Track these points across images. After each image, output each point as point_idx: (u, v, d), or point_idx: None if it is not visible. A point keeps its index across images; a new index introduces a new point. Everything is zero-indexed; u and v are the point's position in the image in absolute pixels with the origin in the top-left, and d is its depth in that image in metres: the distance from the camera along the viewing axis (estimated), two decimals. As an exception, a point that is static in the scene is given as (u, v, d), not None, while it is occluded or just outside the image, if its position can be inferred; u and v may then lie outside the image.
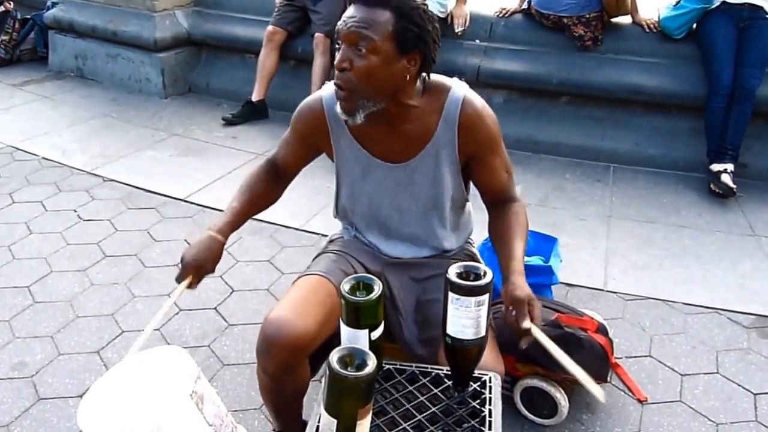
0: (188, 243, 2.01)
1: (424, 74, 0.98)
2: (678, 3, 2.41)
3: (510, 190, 1.07)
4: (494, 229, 1.05)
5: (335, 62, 0.93)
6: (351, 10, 0.92)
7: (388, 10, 0.90)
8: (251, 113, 2.92)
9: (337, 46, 0.94)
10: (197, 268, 1.05)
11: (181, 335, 1.60)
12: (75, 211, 2.18)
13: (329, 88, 1.04)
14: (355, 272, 1.09)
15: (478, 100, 1.02)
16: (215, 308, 1.70)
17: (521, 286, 0.91)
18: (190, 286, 1.06)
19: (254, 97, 2.90)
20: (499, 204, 1.06)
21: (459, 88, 1.01)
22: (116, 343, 1.56)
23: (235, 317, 1.67)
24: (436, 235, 1.10)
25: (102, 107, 3.09)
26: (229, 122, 2.91)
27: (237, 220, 1.11)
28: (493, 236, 1.05)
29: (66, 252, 1.94)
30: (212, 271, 1.07)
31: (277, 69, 2.91)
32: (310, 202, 2.17)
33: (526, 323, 0.87)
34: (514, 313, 0.89)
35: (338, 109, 0.96)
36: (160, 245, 1.99)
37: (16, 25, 3.66)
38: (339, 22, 0.93)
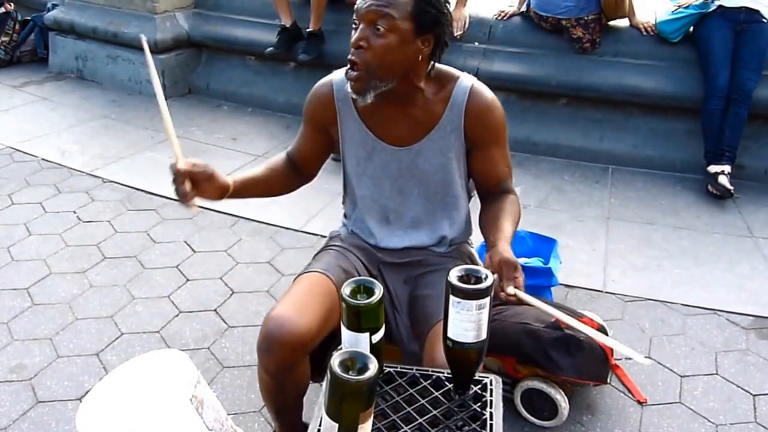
0: (188, 244, 2.02)
1: (433, 62, 1.00)
2: (676, 9, 2.42)
3: (507, 184, 1.06)
4: (485, 213, 1.04)
5: (352, 40, 0.94)
6: None
7: None
8: (290, 39, 2.83)
9: (354, 25, 0.95)
10: (192, 165, 0.95)
11: (181, 337, 1.59)
12: (74, 212, 2.17)
13: (340, 73, 1.06)
14: (354, 269, 1.09)
15: (487, 91, 1.04)
16: (215, 310, 1.70)
17: (509, 251, 0.88)
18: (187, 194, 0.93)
19: (287, 24, 2.82)
20: (494, 194, 1.05)
21: (467, 78, 1.03)
22: (116, 345, 1.56)
23: (235, 319, 1.67)
24: (436, 221, 1.10)
25: (102, 108, 3.09)
26: (273, 55, 2.85)
27: (249, 181, 1.05)
28: (483, 219, 1.03)
29: (65, 253, 1.94)
30: (208, 173, 0.96)
31: None
32: (309, 203, 2.17)
33: (511, 289, 0.83)
34: (496, 276, 0.84)
35: (348, 88, 0.97)
36: (159, 247, 1.99)
37: (17, 27, 3.65)
38: (358, 2, 0.95)
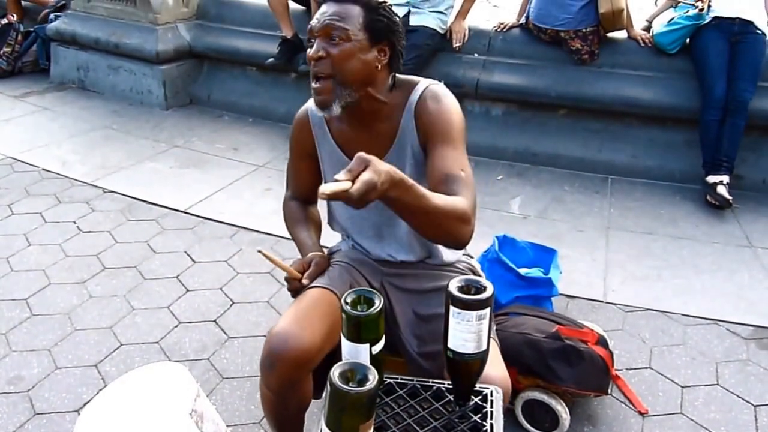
0: (188, 255, 2.01)
1: (394, 73, 1.02)
2: (671, 20, 2.45)
3: (456, 184, 0.91)
4: None
5: (310, 54, 0.96)
6: (323, 8, 0.98)
7: (357, 5, 0.97)
8: (291, 50, 2.87)
9: (310, 43, 0.98)
10: (308, 261, 1.08)
11: (181, 348, 1.59)
12: (74, 222, 2.18)
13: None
14: (358, 284, 1.09)
15: (441, 89, 1.02)
16: (215, 321, 1.70)
17: (388, 170, 0.74)
18: (300, 280, 1.05)
19: (288, 35, 2.86)
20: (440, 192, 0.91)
21: (426, 82, 1.04)
22: (114, 357, 1.55)
23: (234, 330, 1.66)
24: None
25: (103, 119, 3.11)
26: (273, 66, 2.89)
27: (317, 237, 1.16)
28: None
29: (65, 264, 1.93)
30: (324, 265, 1.09)
31: (286, 0, 2.85)
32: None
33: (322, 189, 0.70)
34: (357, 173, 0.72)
35: (313, 105, 1.00)
36: (159, 257, 1.99)
37: (19, 38, 3.69)
38: (312, 21, 0.98)
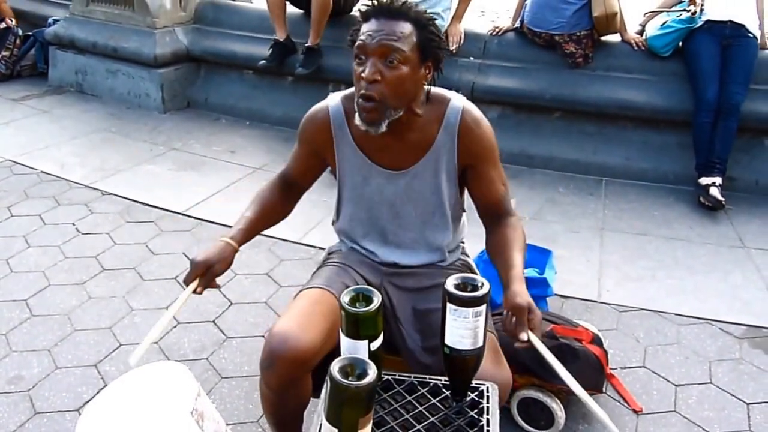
0: (186, 256, 2.02)
1: (428, 86, 1.03)
2: (664, 23, 2.49)
3: (506, 203, 1.08)
4: (492, 245, 1.07)
5: (365, 75, 0.94)
6: (374, 24, 0.95)
7: (408, 23, 0.95)
8: (282, 53, 2.87)
9: (359, 60, 0.96)
10: (207, 267, 1.02)
11: (180, 348, 1.60)
12: (73, 224, 2.19)
13: (335, 98, 1.09)
14: (356, 284, 1.10)
15: (476, 111, 1.07)
16: (213, 321, 1.71)
17: (521, 293, 0.91)
18: (195, 291, 1.01)
19: (280, 38, 2.86)
20: (496, 218, 1.07)
21: (458, 99, 1.06)
22: (114, 357, 1.56)
23: (233, 330, 1.67)
24: (433, 242, 1.12)
25: (101, 122, 3.12)
26: (266, 68, 2.89)
27: (250, 228, 1.11)
28: (491, 252, 1.07)
29: (64, 265, 1.94)
30: (221, 272, 1.04)
31: (284, 2, 2.85)
32: (307, 215, 2.18)
33: (524, 335, 0.88)
34: (514, 320, 0.90)
35: (359, 120, 0.98)
36: (158, 258, 2.00)
37: (17, 41, 3.70)
38: (361, 36, 0.95)
